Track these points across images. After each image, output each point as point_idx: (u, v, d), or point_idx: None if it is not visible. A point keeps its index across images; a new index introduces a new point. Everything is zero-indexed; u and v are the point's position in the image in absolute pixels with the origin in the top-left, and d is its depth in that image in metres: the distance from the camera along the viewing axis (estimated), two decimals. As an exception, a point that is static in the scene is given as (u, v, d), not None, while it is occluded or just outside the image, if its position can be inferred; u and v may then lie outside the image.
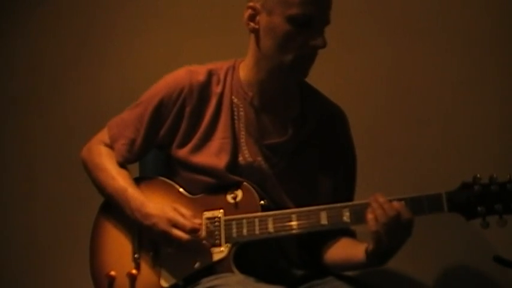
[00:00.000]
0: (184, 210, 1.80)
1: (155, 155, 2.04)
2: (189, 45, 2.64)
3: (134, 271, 1.85)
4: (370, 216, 1.63)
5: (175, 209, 1.80)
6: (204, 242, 1.79)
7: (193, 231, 1.76)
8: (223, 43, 2.49)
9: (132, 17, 2.77)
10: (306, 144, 1.88)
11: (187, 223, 1.77)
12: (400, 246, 1.65)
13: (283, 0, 1.72)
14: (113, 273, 1.86)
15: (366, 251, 1.70)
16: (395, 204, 1.62)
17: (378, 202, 1.63)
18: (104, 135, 1.96)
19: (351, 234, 1.89)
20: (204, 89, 1.88)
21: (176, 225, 1.77)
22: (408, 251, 2.15)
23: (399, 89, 2.39)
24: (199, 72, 1.89)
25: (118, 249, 1.89)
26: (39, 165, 2.87)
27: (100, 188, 1.92)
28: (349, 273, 1.88)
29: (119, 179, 1.88)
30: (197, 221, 1.78)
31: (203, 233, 1.80)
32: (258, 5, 1.77)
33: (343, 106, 1.99)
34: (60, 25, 2.87)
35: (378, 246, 1.64)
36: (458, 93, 2.32)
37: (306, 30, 1.73)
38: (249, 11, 1.79)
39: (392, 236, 1.61)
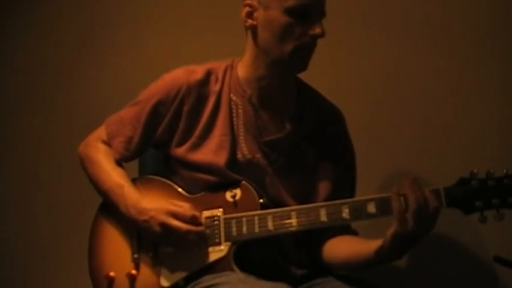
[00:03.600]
0: (181, 202, 1.80)
1: (155, 154, 2.04)
2: (189, 45, 2.65)
3: (134, 271, 1.84)
4: (395, 198, 1.59)
5: (171, 202, 1.80)
6: (203, 233, 1.79)
7: (193, 220, 1.77)
8: (223, 43, 2.49)
9: (131, 17, 2.78)
10: (304, 140, 1.89)
11: (187, 212, 1.77)
12: (422, 236, 1.60)
13: None
14: (112, 273, 1.86)
15: (384, 240, 1.63)
16: (425, 191, 1.60)
17: (409, 187, 1.59)
18: (101, 132, 1.97)
19: (354, 233, 1.88)
20: (202, 88, 1.89)
21: (175, 216, 1.77)
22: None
23: (399, 88, 2.39)
24: (197, 71, 1.90)
25: (117, 249, 1.88)
26: (39, 165, 2.87)
27: (96, 184, 1.92)
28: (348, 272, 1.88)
29: (116, 176, 1.89)
30: (196, 212, 1.79)
31: (203, 228, 1.80)
32: (254, 2, 1.79)
33: (344, 106, 2.00)
34: (60, 25, 2.88)
35: (401, 230, 1.57)
36: (455, 93, 2.32)
37: (303, 20, 1.75)
38: (246, 8, 1.81)
39: (419, 222, 1.57)
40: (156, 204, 1.80)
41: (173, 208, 1.78)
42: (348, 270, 1.86)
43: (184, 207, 1.79)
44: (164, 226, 1.77)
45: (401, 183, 1.62)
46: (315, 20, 1.76)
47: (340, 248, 1.84)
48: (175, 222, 1.76)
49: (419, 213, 1.57)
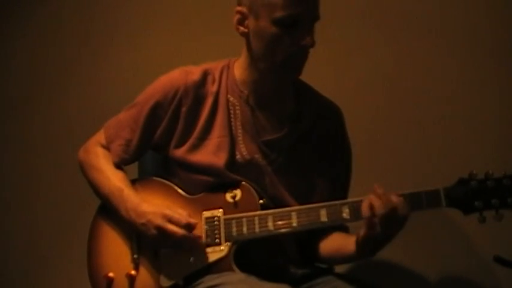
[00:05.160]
0: (180, 210, 1.80)
1: (154, 156, 2.03)
2: (189, 45, 2.65)
3: (133, 272, 1.84)
4: (365, 204, 1.64)
5: (171, 208, 1.80)
6: (199, 240, 1.79)
7: (188, 226, 1.76)
8: (222, 43, 2.47)
9: (131, 17, 2.78)
10: (302, 139, 1.89)
11: (183, 219, 1.77)
12: (391, 238, 1.66)
13: (267, 3, 1.73)
14: (111, 274, 1.85)
15: (357, 240, 1.71)
16: (393, 197, 1.63)
17: (376, 193, 1.63)
18: (100, 136, 1.96)
19: (344, 229, 1.90)
20: (199, 89, 1.88)
21: (171, 221, 1.76)
22: (408, 251, 2.17)
23: (398, 88, 2.39)
24: (194, 72, 1.90)
25: (116, 250, 1.88)
26: (39, 165, 2.86)
27: (96, 188, 1.91)
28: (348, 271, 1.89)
29: (115, 180, 1.88)
30: (193, 220, 1.78)
31: (202, 233, 1.80)
32: (245, 10, 1.78)
33: (343, 105, 2.00)
34: (60, 25, 2.88)
35: (370, 234, 1.65)
36: (454, 93, 2.33)
37: (293, 30, 1.73)
38: (238, 16, 1.80)
39: (387, 227, 1.63)
40: (154, 208, 1.80)
41: (170, 213, 1.77)
42: (340, 264, 1.94)
43: (182, 215, 1.78)
44: (160, 230, 1.77)
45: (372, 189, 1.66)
46: (305, 29, 1.74)
47: (329, 244, 1.88)
48: (171, 227, 1.76)
49: (386, 219, 1.61)
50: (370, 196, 1.64)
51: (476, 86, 2.30)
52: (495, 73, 2.29)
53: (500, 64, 2.29)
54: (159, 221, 1.77)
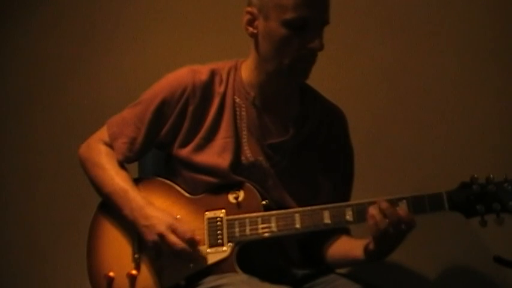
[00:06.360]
0: (187, 227, 1.78)
1: (155, 155, 2.03)
2: (189, 45, 2.65)
3: (134, 271, 1.83)
4: (371, 221, 1.65)
5: (178, 220, 1.80)
6: (198, 255, 1.78)
7: (191, 242, 1.76)
8: (223, 43, 2.49)
9: (132, 17, 2.78)
10: (306, 143, 1.89)
11: (187, 234, 1.76)
12: (397, 246, 1.69)
13: (278, 4, 1.73)
14: (111, 274, 1.84)
15: (365, 250, 1.73)
16: (399, 210, 1.65)
17: (380, 208, 1.64)
18: (103, 133, 1.94)
19: (346, 231, 1.91)
20: (207, 89, 1.88)
21: (175, 232, 1.76)
22: (409, 251, 2.16)
23: (399, 89, 2.39)
24: (201, 71, 1.89)
25: (117, 249, 1.87)
26: (39, 165, 2.87)
27: (98, 186, 1.89)
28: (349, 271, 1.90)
29: (119, 180, 1.87)
30: (198, 237, 1.77)
31: (204, 233, 1.80)
32: (255, 10, 1.78)
33: (344, 107, 2.00)
34: (61, 25, 2.88)
35: (377, 248, 1.69)
36: (457, 94, 2.33)
37: (302, 33, 1.73)
38: (247, 16, 1.80)
39: (391, 240, 1.66)
40: (161, 213, 1.79)
41: (176, 225, 1.76)
42: (346, 267, 1.95)
43: (186, 230, 1.76)
44: (161, 237, 1.75)
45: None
46: (315, 32, 1.74)
47: (335, 248, 1.88)
48: (174, 238, 1.75)
49: (390, 233, 1.64)
50: (372, 212, 1.65)
51: (479, 90, 2.30)
52: (499, 73, 2.29)
53: (503, 63, 2.29)
54: (163, 229, 1.76)
